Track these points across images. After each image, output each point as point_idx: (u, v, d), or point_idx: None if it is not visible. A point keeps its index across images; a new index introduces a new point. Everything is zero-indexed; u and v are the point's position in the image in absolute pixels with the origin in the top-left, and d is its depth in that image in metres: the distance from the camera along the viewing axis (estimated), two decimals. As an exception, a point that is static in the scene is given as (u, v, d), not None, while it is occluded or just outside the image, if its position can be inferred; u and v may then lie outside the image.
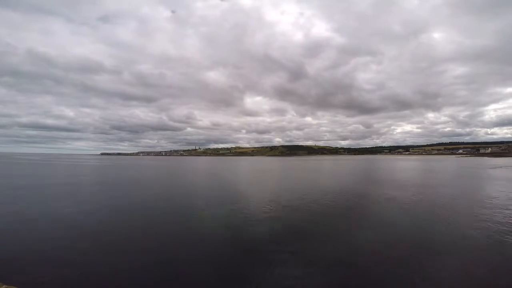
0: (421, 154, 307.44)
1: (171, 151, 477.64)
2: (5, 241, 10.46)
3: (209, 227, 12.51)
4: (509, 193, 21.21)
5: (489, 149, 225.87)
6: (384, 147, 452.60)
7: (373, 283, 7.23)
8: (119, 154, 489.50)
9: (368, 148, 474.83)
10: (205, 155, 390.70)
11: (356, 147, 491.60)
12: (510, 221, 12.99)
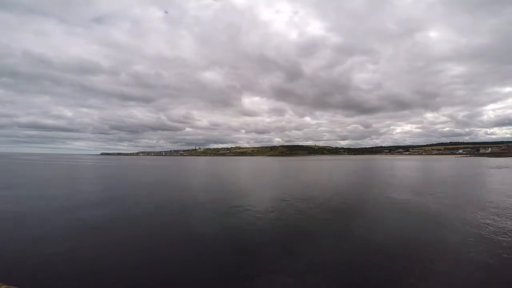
0: (421, 154, 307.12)
1: (171, 151, 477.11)
2: (5, 241, 10.44)
3: (209, 226, 12.47)
4: None
5: (489, 149, 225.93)
6: (384, 147, 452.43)
7: (373, 283, 7.22)
8: (119, 154, 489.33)
9: (368, 148, 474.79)
10: (205, 155, 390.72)
11: (356, 147, 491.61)
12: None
